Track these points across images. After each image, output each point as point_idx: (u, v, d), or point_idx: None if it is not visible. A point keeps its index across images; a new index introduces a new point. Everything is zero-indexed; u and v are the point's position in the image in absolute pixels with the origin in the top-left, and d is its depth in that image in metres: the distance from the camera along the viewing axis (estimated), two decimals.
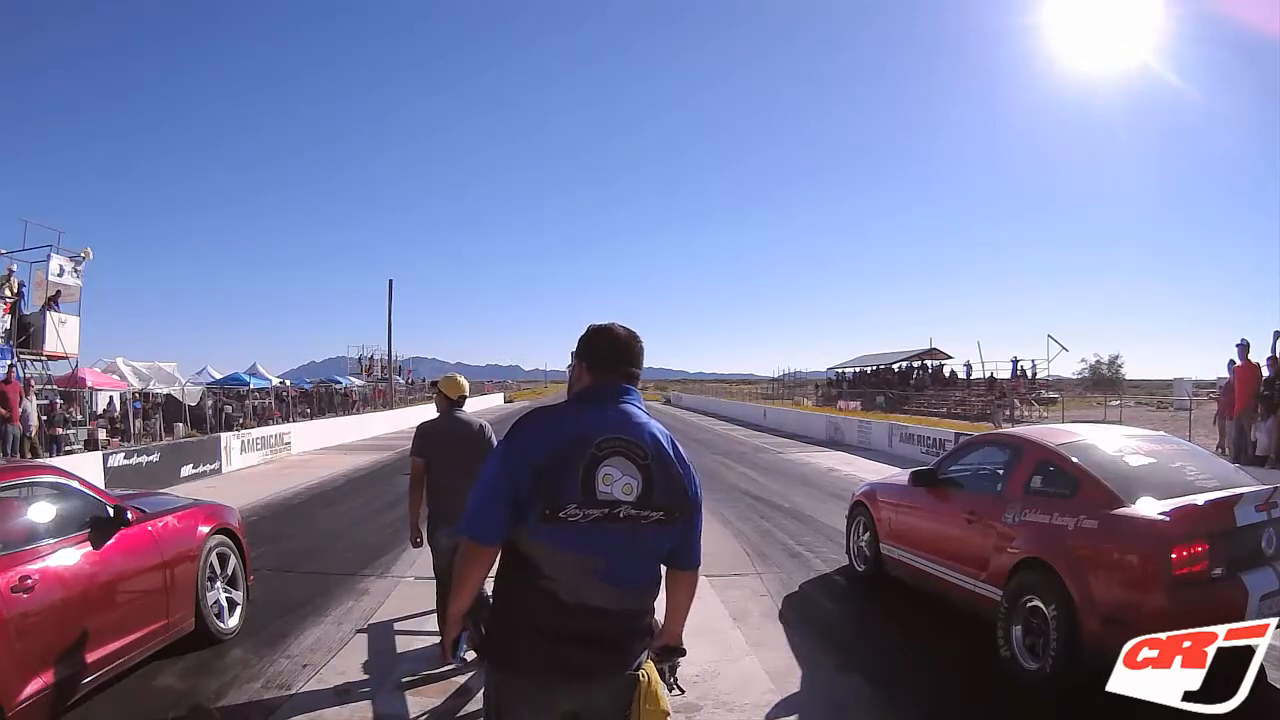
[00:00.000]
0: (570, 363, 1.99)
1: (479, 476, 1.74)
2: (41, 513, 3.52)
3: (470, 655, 1.82)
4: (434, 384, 4.47)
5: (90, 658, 3.41)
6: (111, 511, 3.76)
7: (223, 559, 4.63)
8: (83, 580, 3.46)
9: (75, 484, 3.84)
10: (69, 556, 3.45)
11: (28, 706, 3.00)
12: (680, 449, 1.78)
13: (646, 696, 1.71)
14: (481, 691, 3.68)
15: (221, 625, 4.49)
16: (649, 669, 1.76)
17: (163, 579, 4.04)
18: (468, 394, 4.34)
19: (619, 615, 1.70)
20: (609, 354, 1.83)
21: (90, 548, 3.57)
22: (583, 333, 1.89)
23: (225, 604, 4.59)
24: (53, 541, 3.43)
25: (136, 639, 3.76)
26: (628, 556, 1.69)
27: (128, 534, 3.81)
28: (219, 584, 4.58)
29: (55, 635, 3.25)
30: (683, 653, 1.98)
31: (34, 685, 3.06)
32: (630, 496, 1.67)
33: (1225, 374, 10.52)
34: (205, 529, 4.51)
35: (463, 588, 1.77)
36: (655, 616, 1.83)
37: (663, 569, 1.81)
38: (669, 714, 1.75)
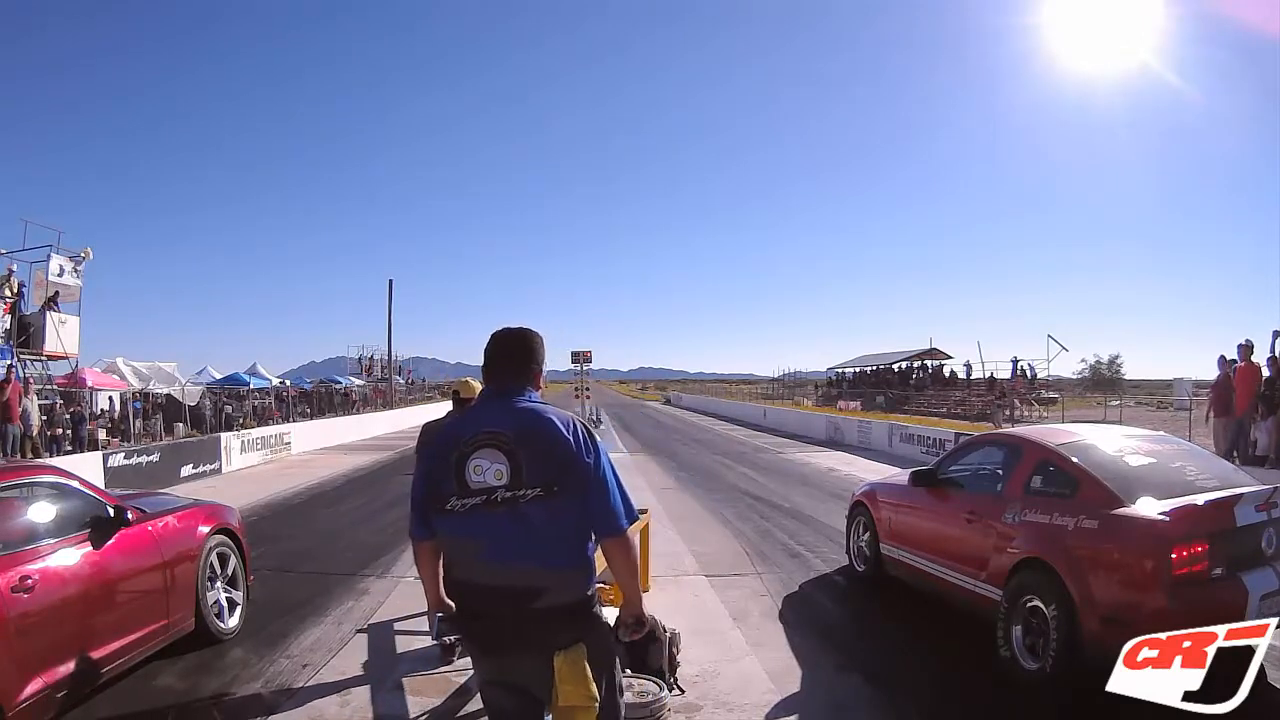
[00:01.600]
0: None
1: None
2: (42, 513, 3.52)
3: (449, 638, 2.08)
4: (438, 387, 4.53)
5: (90, 658, 3.41)
6: (112, 511, 3.76)
7: (223, 559, 4.63)
8: (83, 580, 3.47)
9: (75, 484, 3.84)
10: (69, 556, 3.45)
11: (28, 707, 3.01)
12: (565, 425, 1.88)
13: (562, 675, 1.81)
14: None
15: (221, 625, 4.49)
16: (573, 650, 1.83)
17: (163, 579, 4.04)
18: (475, 393, 4.33)
19: (509, 593, 1.83)
20: (491, 357, 2.03)
21: (90, 548, 3.57)
22: None
23: (225, 604, 4.59)
24: (53, 541, 3.43)
25: (137, 639, 3.77)
26: (513, 535, 1.82)
27: (128, 534, 3.81)
28: (219, 584, 4.58)
29: (56, 635, 3.25)
30: (643, 623, 2.02)
31: (34, 685, 3.06)
32: (502, 480, 1.83)
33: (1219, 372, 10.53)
34: (205, 529, 4.51)
35: (421, 577, 2.10)
36: (583, 596, 1.89)
37: (580, 545, 1.89)
38: (594, 698, 1.84)
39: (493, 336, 2.06)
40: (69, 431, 14.75)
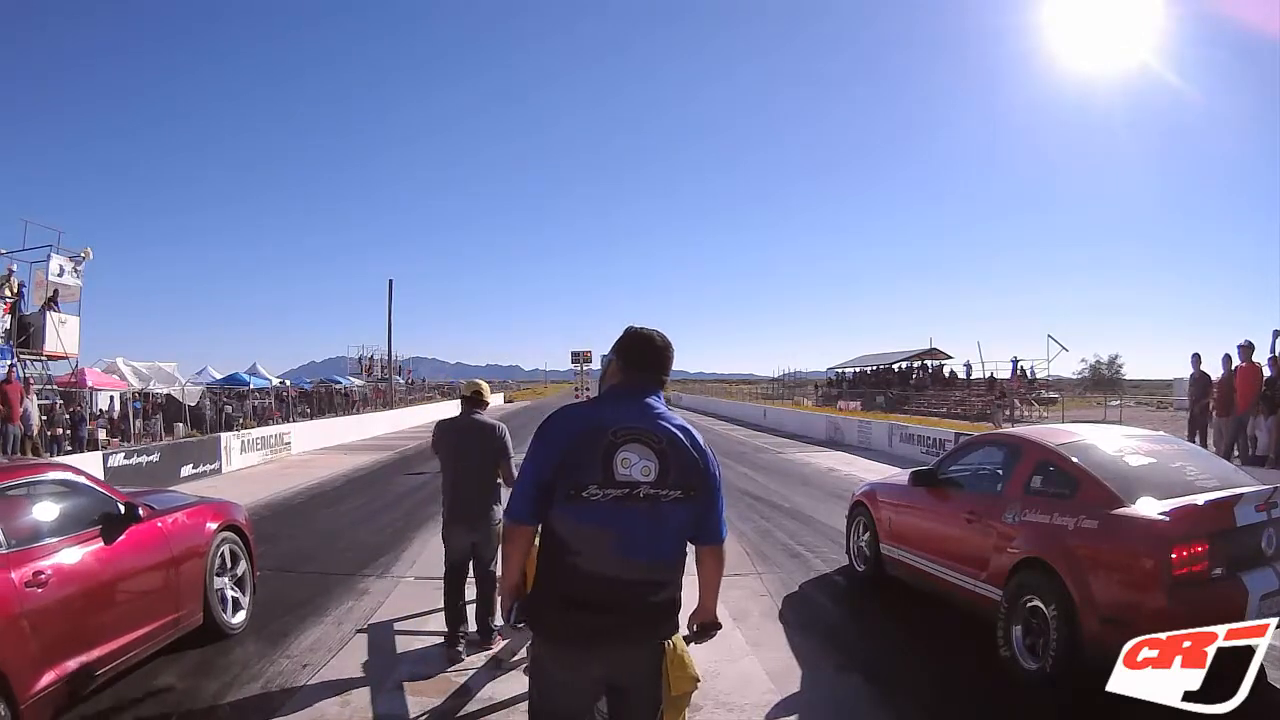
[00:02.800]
0: (607, 356, 2.23)
1: (521, 468, 1.98)
2: (55, 509, 3.56)
3: (520, 624, 2.02)
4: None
5: (101, 652, 3.45)
6: (123, 508, 3.82)
7: (230, 555, 4.69)
8: (95, 575, 3.52)
9: (87, 481, 3.90)
10: (82, 552, 3.50)
11: (40, 699, 3.05)
12: (698, 436, 1.98)
13: (673, 663, 1.93)
14: (481, 692, 3.69)
15: (229, 620, 4.53)
16: (676, 640, 1.96)
17: (172, 574, 4.09)
18: (485, 395, 4.50)
19: (633, 584, 1.87)
20: (642, 358, 2.05)
21: (102, 543, 3.63)
22: (621, 333, 2.10)
23: (232, 599, 4.64)
24: (66, 537, 3.48)
25: (146, 633, 3.81)
26: (645, 531, 1.87)
27: (138, 530, 3.87)
28: (227, 579, 4.63)
29: (68, 629, 3.29)
30: (718, 626, 2.11)
31: (47, 678, 3.10)
32: (649, 478, 1.87)
33: (1209, 372, 10.56)
34: (213, 525, 4.57)
35: (507, 562, 2.03)
36: (680, 591, 1.96)
37: (687, 548, 1.99)
38: (699, 679, 1.96)
39: (643, 337, 2.06)
40: (69, 431, 14.75)
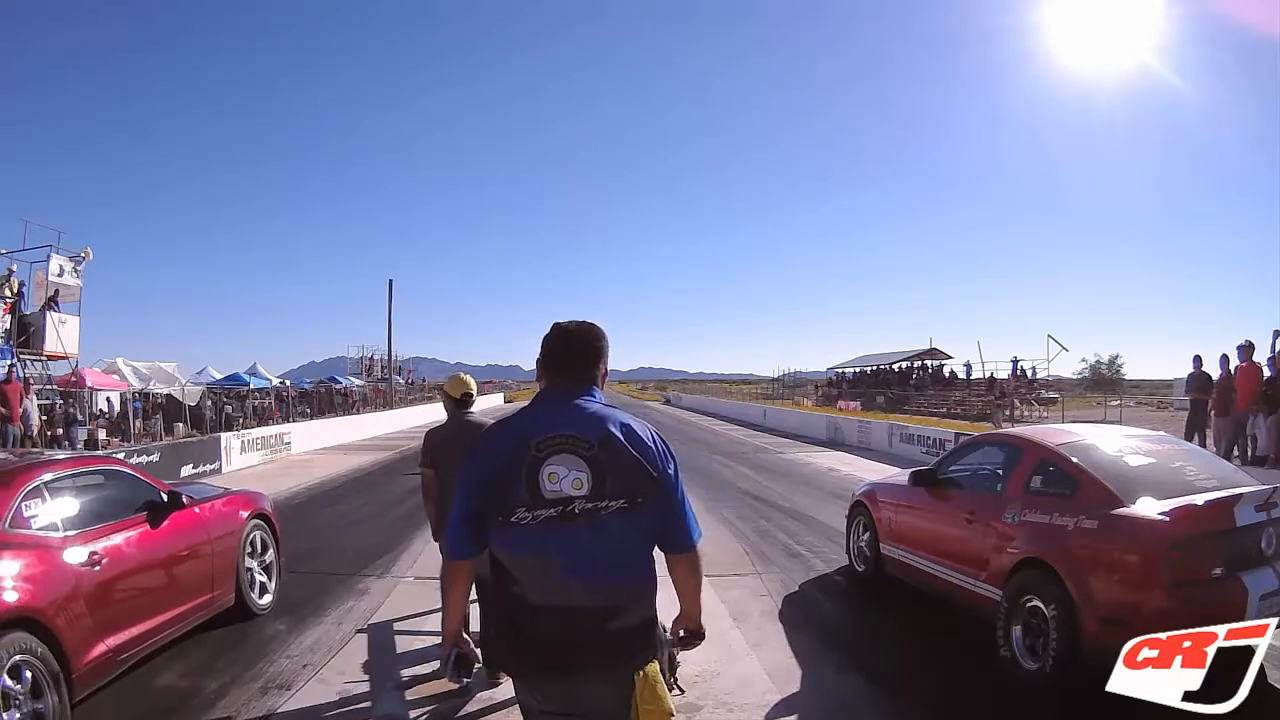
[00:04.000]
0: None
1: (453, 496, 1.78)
2: (107, 497, 3.91)
3: (466, 678, 1.83)
4: (439, 387, 4.45)
5: (145, 627, 3.77)
6: (166, 497, 4.19)
7: (260, 542, 5.06)
8: (142, 557, 3.87)
9: (133, 472, 4.32)
10: (130, 536, 3.84)
11: (92, 667, 3.35)
12: (641, 432, 1.75)
13: (643, 696, 1.69)
14: (481, 692, 3.69)
15: (258, 601, 4.89)
16: (650, 669, 1.72)
17: (209, 558, 4.43)
18: (473, 392, 4.08)
19: (593, 612, 1.66)
20: (556, 353, 1.86)
21: (148, 528, 3.98)
22: None
23: (261, 583, 5.00)
24: (116, 522, 3.80)
25: (185, 610, 4.16)
26: (594, 551, 1.66)
27: (179, 516, 4.22)
28: (256, 564, 5.00)
29: (118, 605, 3.62)
30: (701, 635, 1.94)
31: (99, 649, 3.40)
32: (582, 490, 1.66)
33: (1209, 372, 10.58)
34: (245, 513, 4.95)
35: (448, 602, 1.83)
36: (653, 612, 1.77)
37: (654, 560, 1.77)
38: (672, 714, 1.72)
39: (556, 329, 1.87)
40: (63, 431, 14.74)
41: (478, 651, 1.86)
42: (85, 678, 3.29)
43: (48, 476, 3.58)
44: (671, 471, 1.76)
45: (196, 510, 4.46)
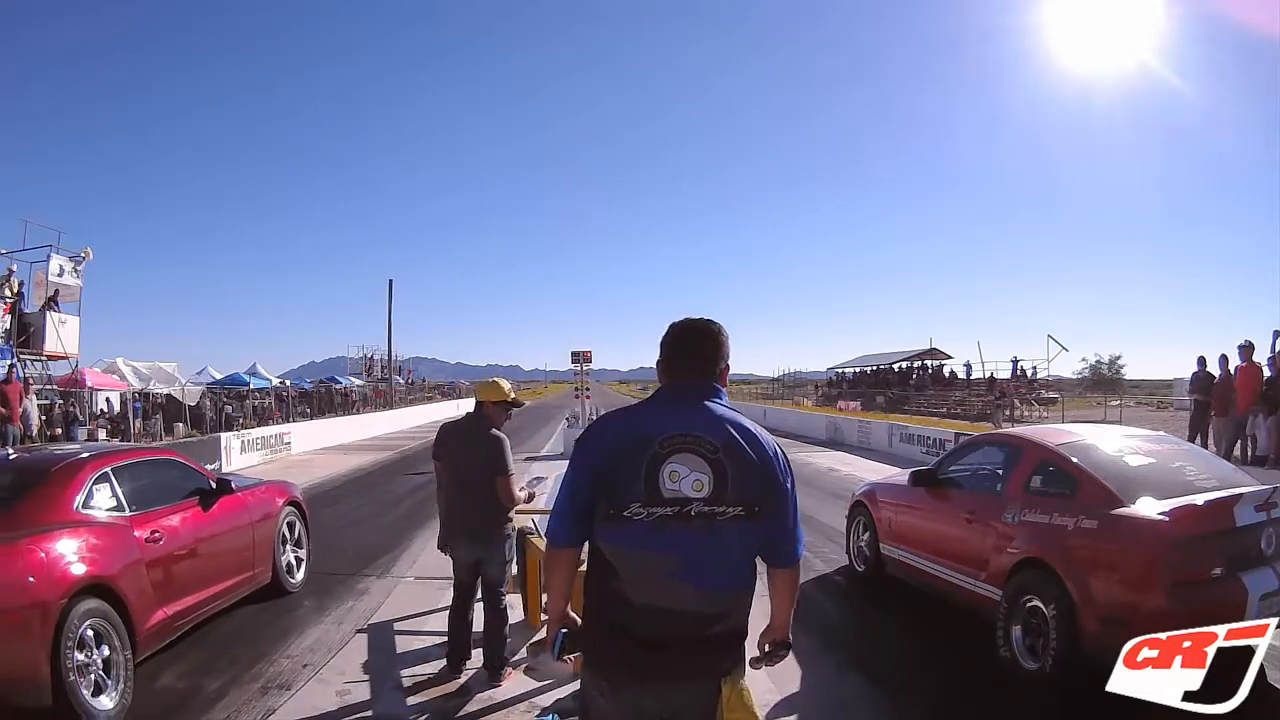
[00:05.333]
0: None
1: (560, 484, 1.76)
2: (164, 482, 4.41)
3: (570, 657, 1.80)
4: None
5: (196, 599, 4.24)
6: (214, 483, 4.70)
7: (291, 526, 5.57)
8: (194, 536, 4.33)
9: (186, 462, 4.84)
10: (185, 517, 4.33)
11: (152, 632, 3.78)
12: (764, 439, 1.73)
13: (730, 704, 1.66)
14: (480, 692, 3.69)
15: (291, 580, 5.42)
16: (737, 678, 1.69)
17: (251, 538, 4.94)
18: (502, 398, 3.94)
19: (694, 617, 1.64)
20: (679, 351, 1.81)
21: (200, 510, 4.47)
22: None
23: (291, 563, 5.50)
24: (173, 505, 4.30)
25: (230, 585, 4.64)
26: (706, 555, 1.63)
27: (226, 501, 4.71)
28: (289, 546, 5.52)
29: (176, 577, 4.06)
30: (789, 646, 1.93)
31: (159, 615, 3.85)
32: (702, 493, 1.62)
33: (1212, 373, 10.59)
34: (281, 500, 5.50)
35: (550, 589, 1.86)
36: (746, 621, 1.75)
37: (757, 571, 1.77)
38: None
39: (677, 327, 1.83)
40: (63, 431, 14.74)
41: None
42: (146, 640, 3.71)
43: (113, 465, 4.05)
44: (789, 485, 1.77)
45: (240, 496, 4.94)
